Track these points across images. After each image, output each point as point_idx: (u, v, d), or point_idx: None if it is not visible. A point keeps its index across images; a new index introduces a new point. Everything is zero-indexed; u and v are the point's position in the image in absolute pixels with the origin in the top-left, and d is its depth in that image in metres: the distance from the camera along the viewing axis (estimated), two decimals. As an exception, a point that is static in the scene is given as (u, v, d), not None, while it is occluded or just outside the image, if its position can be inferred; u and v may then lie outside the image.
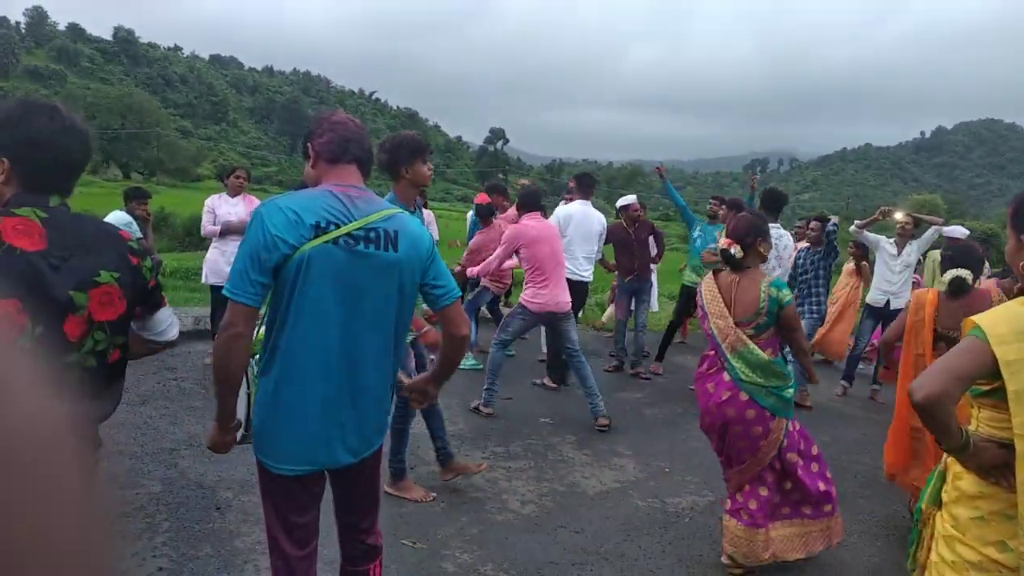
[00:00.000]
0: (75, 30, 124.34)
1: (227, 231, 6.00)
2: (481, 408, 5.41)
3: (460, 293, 2.23)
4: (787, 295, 3.19)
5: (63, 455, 0.36)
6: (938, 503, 1.88)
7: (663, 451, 5.00)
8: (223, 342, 1.87)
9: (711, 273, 3.43)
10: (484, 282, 6.24)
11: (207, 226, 6.12)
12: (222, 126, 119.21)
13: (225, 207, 6.12)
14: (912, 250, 6.83)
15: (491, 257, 5.46)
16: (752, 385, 3.14)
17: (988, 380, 1.65)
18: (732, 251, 3.28)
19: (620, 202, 7.13)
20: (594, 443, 5.05)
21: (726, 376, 3.20)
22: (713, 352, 3.30)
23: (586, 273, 6.41)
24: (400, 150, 2.98)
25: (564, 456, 4.77)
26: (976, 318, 1.68)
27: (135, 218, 6.16)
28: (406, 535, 3.47)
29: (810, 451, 3.37)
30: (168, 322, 2.01)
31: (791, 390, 3.25)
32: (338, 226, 1.92)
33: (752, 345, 3.15)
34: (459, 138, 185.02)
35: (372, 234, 1.97)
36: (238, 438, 2.10)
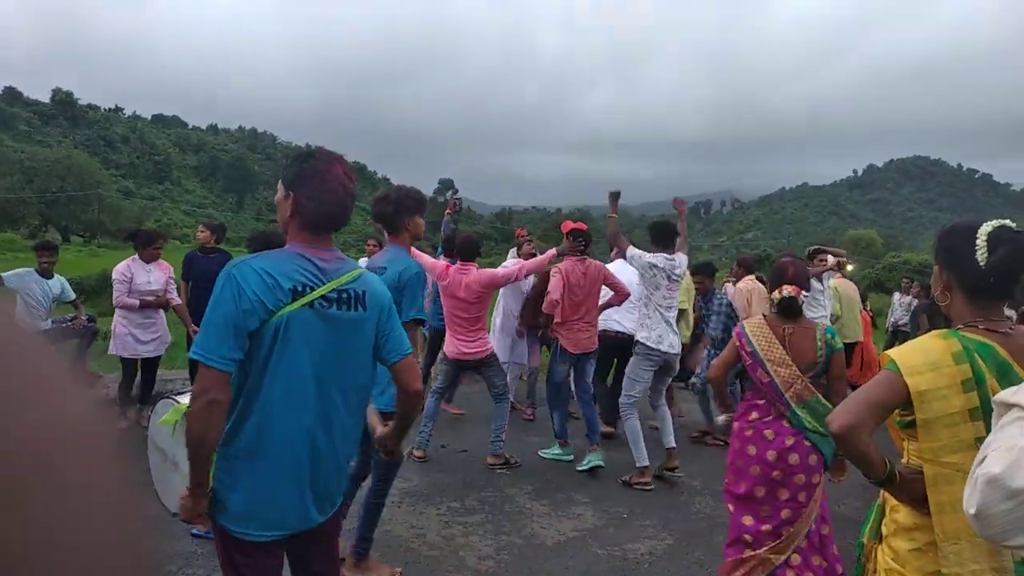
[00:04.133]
0: (11, 93, 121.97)
1: (145, 306, 5.80)
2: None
3: (410, 350, 2.23)
4: (839, 341, 3.17)
5: (101, 454, 0.38)
6: (878, 537, 1.93)
7: (620, 496, 4.99)
8: (200, 411, 1.80)
9: (761, 317, 3.26)
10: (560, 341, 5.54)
11: (122, 298, 5.77)
12: (165, 185, 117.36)
13: (143, 275, 5.84)
14: (827, 282, 7.18)
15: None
16: (816, 434, 3.00)
17: (909, 411, 1.72)
18: (800, 299, 3.16)
19: None
20: (552, 492, 5.01)
21: (786, 423, 3.06)
22: (763, 401, 3.13)
23: (629, 326, 6.15)
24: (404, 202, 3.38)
25: (521, 507, 4.72)
26: (891, 352, 1.77)
27: (42, 273, 6.20)
28: (360, 600, 3.37)
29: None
30: None
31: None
32: (312, 289, 1.92)
33: (819, 395, 3.05)
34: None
35: (344, 295, 1.98)
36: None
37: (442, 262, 5.35)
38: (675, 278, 5.28)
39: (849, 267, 7.29)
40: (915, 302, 10.70)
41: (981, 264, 1.69)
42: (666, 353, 5.21)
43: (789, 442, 3.02)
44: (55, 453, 0.34)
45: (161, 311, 6.03)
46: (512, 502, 4.79)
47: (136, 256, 5.93)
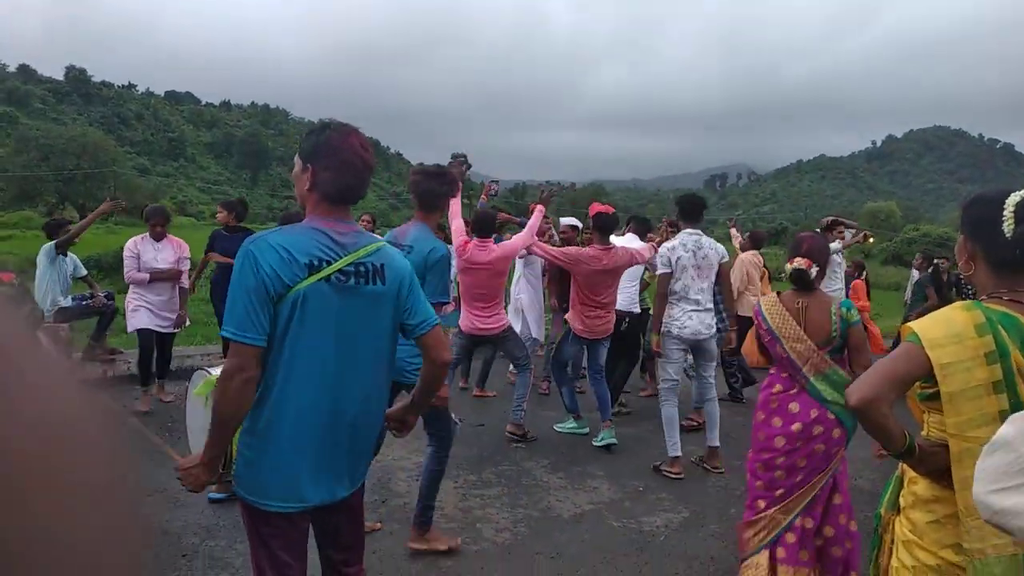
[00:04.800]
0: (26, 71, 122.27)
1: (155, 279, 5.81)
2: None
3: (436, 320, 2.22)
4: (855, 314, 3.11)
5: (99, 451, 0.38)
6: (896, 508, 1.92)
7: (636, 470, 5.02)
8: (235, 387, 1.81)
9: (775, 294, 3.24)
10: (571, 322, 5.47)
11: (133, 273, 5.79)
12: (180, 162, 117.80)
13: (151, 252, 5.85)
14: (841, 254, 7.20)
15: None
16: (836, 405, 2.98)
17: (930, 383, 1.70)
18: (812, 272, 3.11)
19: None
20: (568, 466, 5.04)
21: (808, 396, 3.05)
22: (787, 375, 3.12)
23: (626, 305, 6.03)
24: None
25: (538, 480, 4.76)
26: (911, 324, 1.73)
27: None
28: (379, 572, 3.42)
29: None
30: None
31: None
32: (329, 263, 1.92)
33: (836, 366, 3.05)
34: (422, 164, 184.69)
35: (362, 268, 1.98)
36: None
37: (465, 235, 5.32)
38: (702, 258, 5.01)
39: (870, 240, 7.23)
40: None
41: (1008, 235, 1.65)
42: (688, 339, 5.03)
43: (814, 414, 3.03)
44: (51, 451, 0.34)
45: (176, 289, 5.98)
46: (528, 475, 4.83)
47: (146, 233, 5.93)
